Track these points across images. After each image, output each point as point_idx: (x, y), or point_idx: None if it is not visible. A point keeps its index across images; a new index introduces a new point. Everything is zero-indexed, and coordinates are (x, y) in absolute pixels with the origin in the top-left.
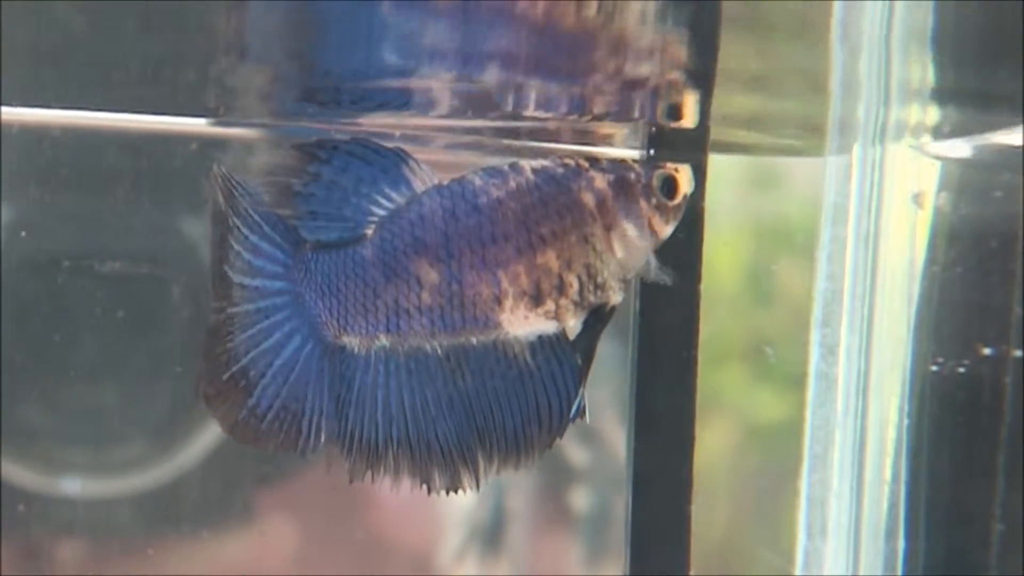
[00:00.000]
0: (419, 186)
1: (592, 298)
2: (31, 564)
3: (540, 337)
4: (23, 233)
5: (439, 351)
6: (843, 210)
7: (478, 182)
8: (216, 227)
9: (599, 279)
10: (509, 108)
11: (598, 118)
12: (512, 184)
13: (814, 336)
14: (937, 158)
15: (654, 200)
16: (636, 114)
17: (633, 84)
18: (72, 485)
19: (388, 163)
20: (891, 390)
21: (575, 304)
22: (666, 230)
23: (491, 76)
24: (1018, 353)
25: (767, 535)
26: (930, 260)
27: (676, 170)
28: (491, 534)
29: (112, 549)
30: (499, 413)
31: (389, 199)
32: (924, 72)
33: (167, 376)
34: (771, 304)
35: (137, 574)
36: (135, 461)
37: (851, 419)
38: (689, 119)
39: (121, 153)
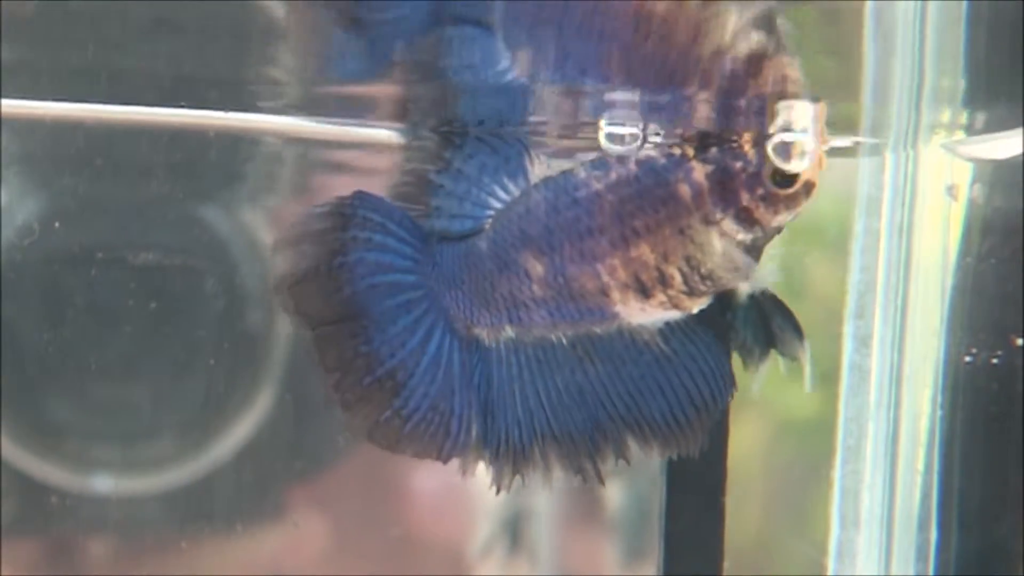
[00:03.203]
0: (534, 178)
1: (703, 287)
2: (65, 560)
3: (668, 324)
4: (57, 224)
5: (564, 341)
6: (877, 202)
7: (582, 175)
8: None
9: (703, 270)
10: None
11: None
12: (612, 176)
13: (847, 328)
14: (969, 157)
15: (759, 190)
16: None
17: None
18: (105, 482)
19: (511, 153)
20: (924, 381)
21: (686, 294)
22: (776, 220)
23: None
24: None
25: (800, 526)
26: (964, 252)
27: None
28: (523, 530)
29: (146, 544)
30: (642, 398)
31: (507, 191)
32: (956, 70)
33: (200, 368)
34: (803, 297)
35: (173, 572)
36: (168, 456)
37: (884, 410)
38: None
39: (155, 145)
